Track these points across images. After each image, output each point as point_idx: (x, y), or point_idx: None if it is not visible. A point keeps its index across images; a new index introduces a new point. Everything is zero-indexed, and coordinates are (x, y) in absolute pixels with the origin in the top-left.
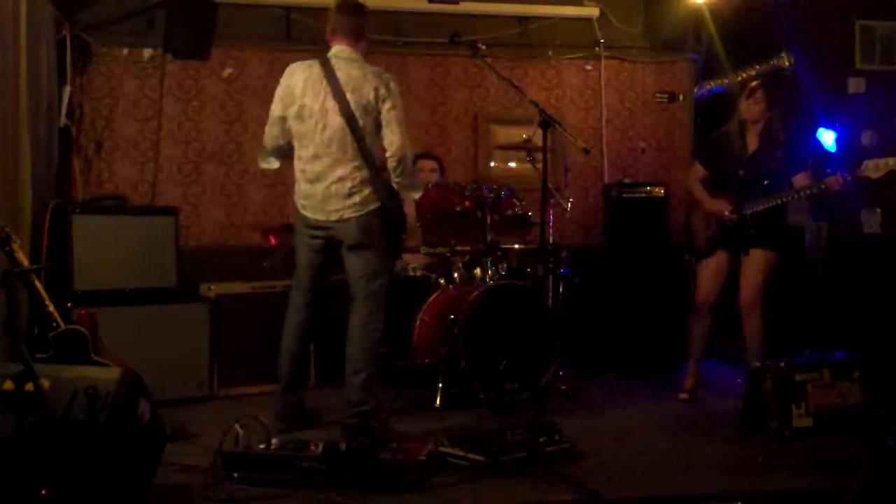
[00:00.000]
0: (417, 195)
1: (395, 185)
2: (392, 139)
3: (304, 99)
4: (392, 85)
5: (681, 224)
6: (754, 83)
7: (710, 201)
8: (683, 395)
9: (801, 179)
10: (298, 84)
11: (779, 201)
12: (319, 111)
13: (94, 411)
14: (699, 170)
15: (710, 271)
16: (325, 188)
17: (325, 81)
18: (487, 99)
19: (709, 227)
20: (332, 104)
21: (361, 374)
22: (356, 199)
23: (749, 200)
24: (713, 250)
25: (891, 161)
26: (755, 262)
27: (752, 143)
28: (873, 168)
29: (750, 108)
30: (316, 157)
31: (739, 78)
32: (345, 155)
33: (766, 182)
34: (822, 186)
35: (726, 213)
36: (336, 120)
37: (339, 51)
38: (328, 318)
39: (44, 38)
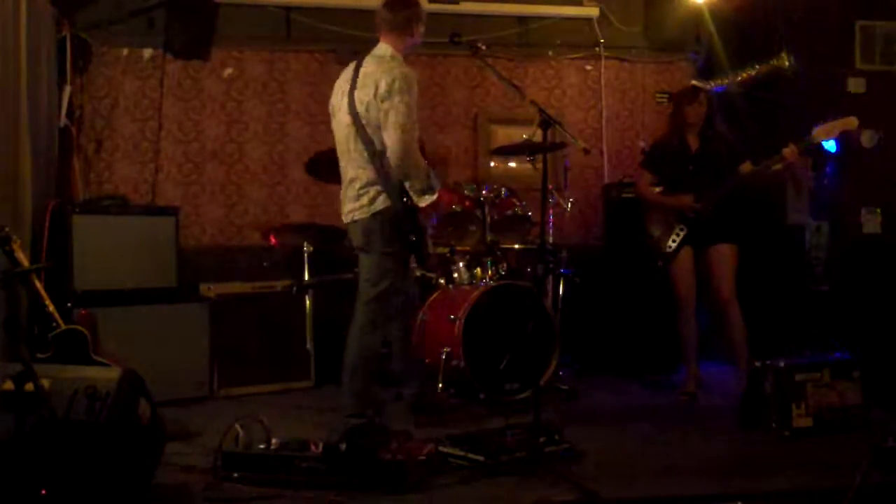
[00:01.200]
0: (424, 202)
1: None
2: (387, 142)
3: (333, 98)
4: (398, 83)
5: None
6: (694, 86)
7: (670, 199)
8: (684, 398)
9: (746, 166)
10: (336, 83)
11: (736, 184)
12: (337, 108)
13: (94, 411)
14: (648, 176)
15: (683, 269)
16: (343, 191)
17: (350, 79)
18: (487, 99)
19: (670, 227)
20: (345, 102)
21: (356, 385)
22: (364, 199)
23: (707, 191)
24: (679, 249)
25: (838, 124)
26: (725, 257)
27: (693, 142)
28: (824, 132)
29: (696, 111)
30: (338, 157)
31: (739, 78)
32: (353, 154)
33: (715, 171)
34: (781, 159)
35: (689, 204)
36: (345, 118)
37: (377, 47)
38: (328, 318)
39: (44, 38)
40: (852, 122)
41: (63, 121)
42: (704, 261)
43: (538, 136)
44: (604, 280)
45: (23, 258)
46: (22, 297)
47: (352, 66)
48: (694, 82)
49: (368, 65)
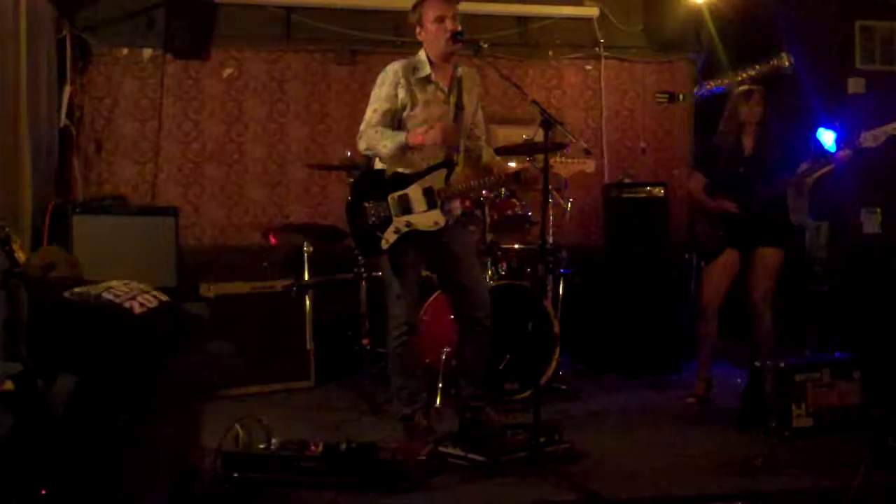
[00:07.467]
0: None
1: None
2: None
3: None
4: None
5: (683, 225)
6: (751, 86)
7: (716, 203)
8: (691, 400)
9: (803, 169)
10: None
11: (784, 185)
12: None
13: None
14: (700, 178)
15: (718, 271)
16: None
17: None
18: (487, 99)
19: (716, 227)
20: None
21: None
22: None
23: (754, 195)
24: (722, 249)
25: (888, 128)
26: (766, 262)
27: (749, 143)
28: (872, 138)
29: (752, 111)
30: None
31: (739, 78)
32: None
33: (767, 176)
34: (830, 162)
35: (733, 208)
36: None
37: None
38: (328, 318)
39: (44, 38)
40: None
41: (63, 121)
42: (748, 263)
43: (539, 136)
44: (604, 280)
45: (23, 258)
46: (22, 297)
47: None
48: (751, 86)
49: None
